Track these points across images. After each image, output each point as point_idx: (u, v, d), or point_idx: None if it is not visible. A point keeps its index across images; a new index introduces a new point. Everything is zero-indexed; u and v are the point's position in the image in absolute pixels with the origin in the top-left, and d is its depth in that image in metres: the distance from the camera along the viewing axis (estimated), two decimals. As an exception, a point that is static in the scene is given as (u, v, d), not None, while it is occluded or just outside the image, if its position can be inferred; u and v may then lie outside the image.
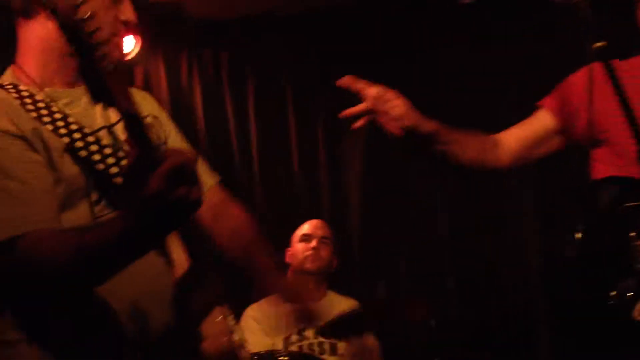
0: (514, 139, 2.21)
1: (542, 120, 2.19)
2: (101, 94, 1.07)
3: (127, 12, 1.65)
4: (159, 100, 4.16)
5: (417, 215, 4.09)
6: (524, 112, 2.26)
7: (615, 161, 2.02)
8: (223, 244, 1.84)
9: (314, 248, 3.54)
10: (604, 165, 2.06)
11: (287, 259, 3.64)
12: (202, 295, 1.51)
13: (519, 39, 3.92)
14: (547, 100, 2.21)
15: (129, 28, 1.64)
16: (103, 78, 1.05)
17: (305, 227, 3.64)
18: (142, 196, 1.14)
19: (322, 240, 3.59)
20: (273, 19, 4.25)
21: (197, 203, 1.17)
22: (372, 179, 4.22)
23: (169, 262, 1.52)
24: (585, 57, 1.93)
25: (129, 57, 4.07)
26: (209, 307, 1.51)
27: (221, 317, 1.52)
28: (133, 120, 1.12)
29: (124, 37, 1.65)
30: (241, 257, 1.83)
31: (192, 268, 1.52)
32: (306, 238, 3.59)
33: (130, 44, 4.03)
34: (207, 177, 1.84)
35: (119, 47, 1.64)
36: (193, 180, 1.15)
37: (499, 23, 3.97)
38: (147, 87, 4.24)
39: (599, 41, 1.94)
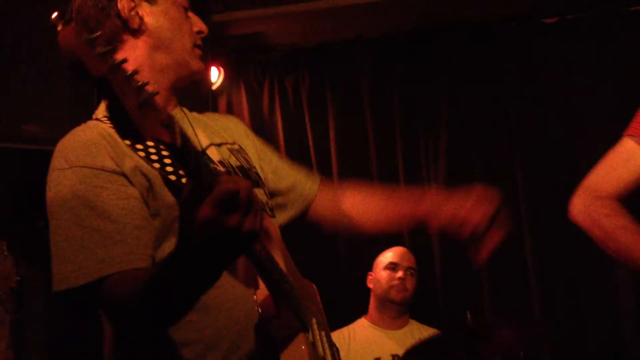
0: (624, 189, 2.01)
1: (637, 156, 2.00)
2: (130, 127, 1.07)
3: (198, 23, 1.69)
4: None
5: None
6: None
7: None
8: (371, 222, 1.89)
9: (400, 278, 3.51)
10: None
11: (369, 284, 3.63)
12: (284, 322, 1.49)
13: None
14: (634, 128, 2.02)
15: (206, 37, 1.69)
16: (130, 108, 1.04)
17: (391, 255, 3.61)
18: (194, 225, 1.12)
19: (408, 270, 3.55)
20: (353, 45, 4.28)
21: (254, 232, 1.14)
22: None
23: (250, 289, 1.51)
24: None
25: (214, 87, 4.18)
26: (292, 333, 1.49)
27: (304, 344, 1.49)
28: (173, 149, 1.11)
29: (202, 53, 1.69)
30: (396, 216, 1.86)
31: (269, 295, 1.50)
32: (392, 267, 3.56)
33: (214, 75, 4.14)
34: (311, 183, 1.91)
35: (205, 57, 1.69)
36: (248, 208, 1.12)
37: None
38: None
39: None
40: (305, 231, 2.00)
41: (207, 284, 1.31)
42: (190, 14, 1.68)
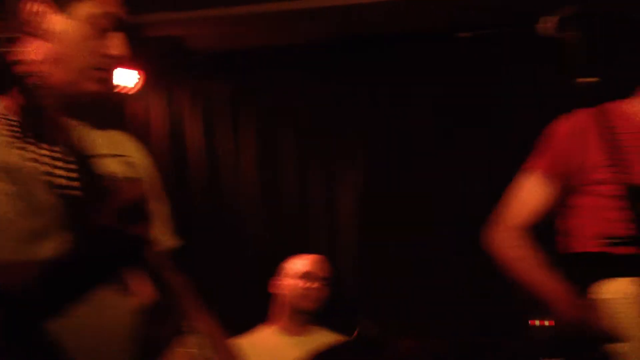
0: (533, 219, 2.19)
1: (545, 190, 2.17)
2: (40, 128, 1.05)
3: (117, 47, 1.63)
4: (160, 134, 4.24)
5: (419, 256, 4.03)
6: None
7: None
8: None
9: (315, 289, 3.50)
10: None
11: (275, 290, 3.60)
12: (161, 328, 1.48)
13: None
14: (540, 163, 2.19)
15: (121, 62, 1.64)
16: (37, 111, 1.03)
17: (307, 264, 3.59)
18: (90, 229, 1.12)
19: (324, 280, 3.55)
20: (274, 51, 4.29)
21: (143, 241, 1.15)
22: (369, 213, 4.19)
23: (127, 295, 1.50)
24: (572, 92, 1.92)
25: (131, 91, 4.12)
26: (168, 339, 1.49)
27: (182, 348, 1.49)
28: (74, 152, 1.11)
29: (113, 70, 1.65)
30: None
31: (153, 300, 1.50)
32: (307, 276, 3.54)
33: (132, 79, 4.08)
34: (168, 239, 1.78)
35: (106, 80, 1.63)
36: (143, 217, 1.13)
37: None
38: (148, 121, 4.28)
39: (589, 77, 1.94)
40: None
41: (95, 286, 1.32)
42: (113, 36, 1.63)
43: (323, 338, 3.47)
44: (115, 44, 1.63)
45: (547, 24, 1.94)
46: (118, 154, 1.68)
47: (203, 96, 4.41)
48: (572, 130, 2.15)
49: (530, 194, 2.19)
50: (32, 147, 1.38)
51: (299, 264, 3.60)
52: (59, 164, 1.38)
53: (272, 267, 3.66)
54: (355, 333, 2.70)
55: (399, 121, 4.19)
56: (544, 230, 2.21)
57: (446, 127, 4.09)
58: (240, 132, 4.36)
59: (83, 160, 1.13)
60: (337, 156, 4.27)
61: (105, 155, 1.62)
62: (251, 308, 3.69)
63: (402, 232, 4.00)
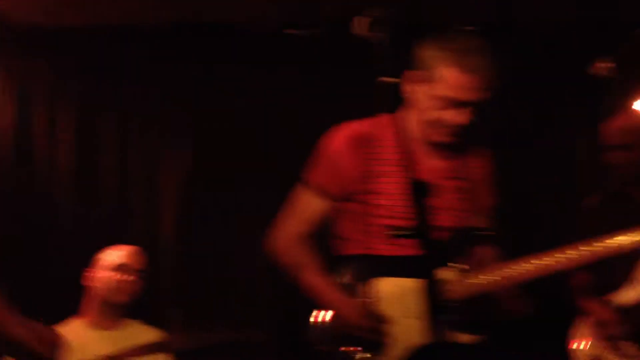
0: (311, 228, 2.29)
1: (318, 202, 2.28)
2: None
3: None
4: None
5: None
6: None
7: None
8: None
9: (130, 281, 3.39)
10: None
11: (88, 282, 3.44)
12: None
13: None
14: (313, 176, 2.29)
15: None
16: None
17: (122, 256, 3.45)
18: None
19: (139, 273, 3.44)
20: (98, 31, 4.12)
21: None
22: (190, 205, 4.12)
23: None
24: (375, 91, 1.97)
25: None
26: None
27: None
28: None
29: None
30: None
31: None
32: (123, 268, 3.41)
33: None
34: None
35: None
36: None
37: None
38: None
39: (391, 77, 2.01)
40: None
41: None
42: None
43: (136, 332, 3.37)
44: None
45: (359, 24, 1.98)
46: None
47: (19, 75, 4.13)
48: (344, 142, 2.25)
49: (305, 205, 2.29)
50: None
51: (114, 255, 3.46)
52: None
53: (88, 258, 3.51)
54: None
55: (226, 112, 4.15)
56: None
57: (267, 123, 4.11)
58: (58, 115, 4.14)
59: None
60: (160, 145, 4.17)
61: None
62: (64, 301, 3.52)
63: (222, 226, 3.98)
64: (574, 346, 3.10)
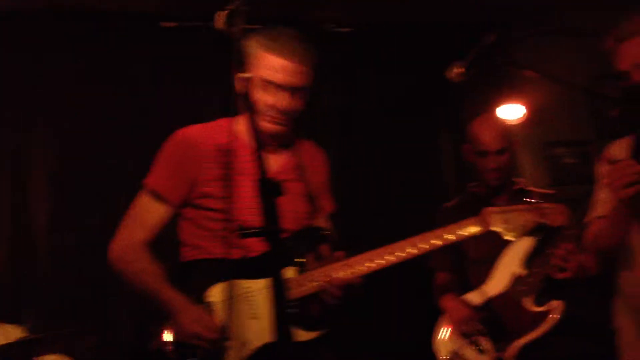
0: (150, 235, 2.26)
1: (158, 207, 2.26)
2: None
3: None
4: None
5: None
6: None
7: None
8: None
9: None
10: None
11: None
12: None
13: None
14: (153, 180, 2.27)
15: None
16: None
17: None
18: None
19: None
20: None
21: None
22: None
23: None
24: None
25: None
26: None
27: None
28: None
29: None
30: None
31: None
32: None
33: None
34: None
35: None
36: None
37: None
38: None
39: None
40: None
41: None
42: None
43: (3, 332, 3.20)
44: None
45: (218, 18, 1.95)
46: None
47: None
48: (180, 146, 2.27)
49: (144, 210, 2.27)
50: None
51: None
52: None
53: None
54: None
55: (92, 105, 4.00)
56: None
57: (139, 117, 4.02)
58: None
59: None
60: (25, 140, 3.95)
61: None
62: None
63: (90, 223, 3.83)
64: (436, 340, 3.19)
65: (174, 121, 2.44)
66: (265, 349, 2.09)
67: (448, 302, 3.22)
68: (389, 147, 4.36)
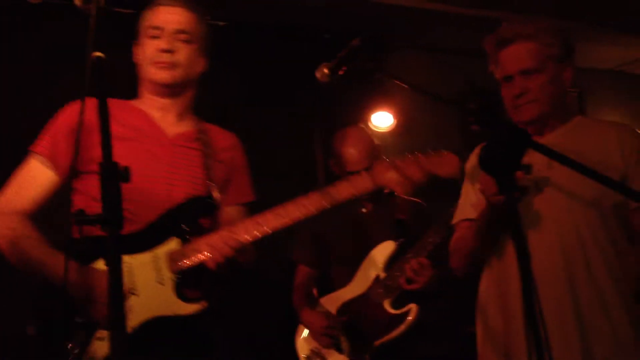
0: (34, 205, 2.12)
1: (44, 174, 2.13)
2: None
3: None
4: None
5: None
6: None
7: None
8: None
9: None
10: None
11: None
12: None
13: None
14: (41, 147, 2.16)
15: None
16: None
17: None
18: None
19: None
20: None
21: None
22: None
23: None
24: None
25: None
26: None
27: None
28: None
29: None
30: None
31: None
32: None
33: None
34: None
35: None
36: None
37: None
38: None
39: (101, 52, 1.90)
40: None
41: None
42: None
43: None
44: None
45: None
46: None
47: None
48: (72, 116, 2.15)
49: (30, 177, 2.14)
50: None
51: None
52: None
53: None
54: None
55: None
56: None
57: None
58: None
59: None
60: None
61: None
62: None
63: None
64: (297, 339, 3.20)
65: (35, 99, 2.31)
66: (145, 325, 1.99)
67: (306, 315, 3.19)
68: (262, 143, 4.36)
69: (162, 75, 2.20)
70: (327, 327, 3.07)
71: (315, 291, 3.27)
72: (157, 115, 2.25)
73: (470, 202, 2.35)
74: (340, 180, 2.10)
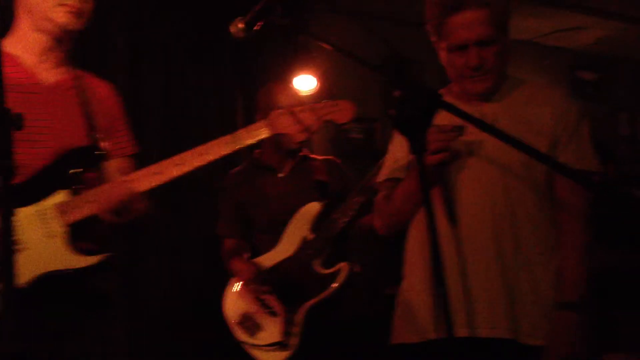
0: None
1: None
2: None
3: None
4: None
5: None
6: None
7: None
8: None
9: None
10: None
11: None
12: None
13: None
14: None
15: None
16: None
17: None
18: None
19: None
20: None
21: None
22: None
23: None
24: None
25: None
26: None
27: None
28: None
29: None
30: None
31: None
32: None
33: None
34: None
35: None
36: None
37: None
38: None
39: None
40: None
41: None
42: None
43: None
44: None
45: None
46: None
47: None
48: None
49: None
50: None
51: None
52: None
53: None
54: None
55: None
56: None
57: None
58: None
59: None
60: None
61: None
62: None
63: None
64: (225, 304, 3.19)
65: None
66: (38, 280, 1.90)
67: (237, 263, 3.17)
68: (181, 99, 4.28)
69: (68, 20, 2.05)
70: (259, 275, 3.06)
71: (245, 257, 3.25)
72: (34, 60, 2.11)
73: (395, 159, 2.32)
74: (239, 131, 2.06)
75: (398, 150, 2.32)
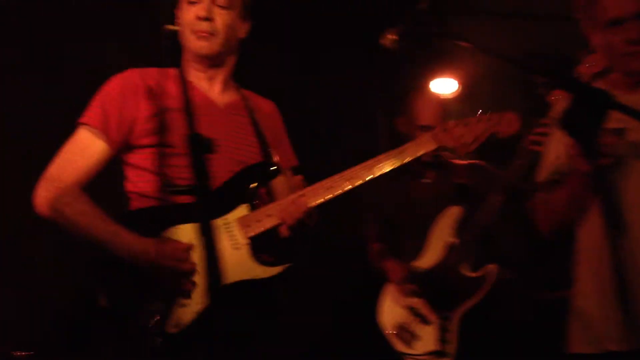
0: (85, 177, 2.10)
1: (95, 144, 2.11)
2: None
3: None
4: None
5: None
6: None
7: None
8: None
9: None
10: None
11: None
12: None
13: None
14: (90, 118, 2.13)
15: None
16: None
17: None
18: None
19: None
20: None
21: None
22: None
23: None
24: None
25: None
26: None
27: None
28: None
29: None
30: None
31: None
32: None
33: None
34: None
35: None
36: None
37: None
38: None
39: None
40: None
41: None
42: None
43: None
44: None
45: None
46: None
47: None
48: (122, 86, 2.14)
49: (80, 149, 2.11)
50: None
51: None
52: None
53: None
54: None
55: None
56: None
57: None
58: None
59: None
60: None
61: None
62: None
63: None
64: (381, 314, 3.23)
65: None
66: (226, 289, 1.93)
67: (388, 263, 3.25)
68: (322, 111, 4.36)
69: (201, 45, 2.14)
70: (409, 276, 3.10)
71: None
72: (205, 86, 2.23)
73: (553, 160, 2.19)
74: (405, 146, 2.11)
75: (554, 151, 2.22)
